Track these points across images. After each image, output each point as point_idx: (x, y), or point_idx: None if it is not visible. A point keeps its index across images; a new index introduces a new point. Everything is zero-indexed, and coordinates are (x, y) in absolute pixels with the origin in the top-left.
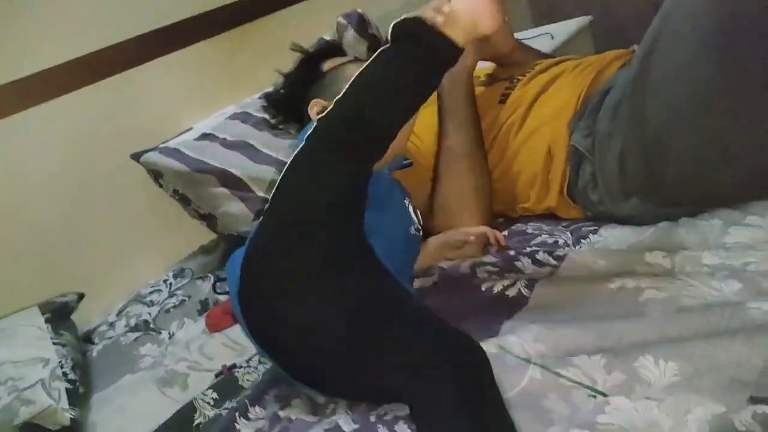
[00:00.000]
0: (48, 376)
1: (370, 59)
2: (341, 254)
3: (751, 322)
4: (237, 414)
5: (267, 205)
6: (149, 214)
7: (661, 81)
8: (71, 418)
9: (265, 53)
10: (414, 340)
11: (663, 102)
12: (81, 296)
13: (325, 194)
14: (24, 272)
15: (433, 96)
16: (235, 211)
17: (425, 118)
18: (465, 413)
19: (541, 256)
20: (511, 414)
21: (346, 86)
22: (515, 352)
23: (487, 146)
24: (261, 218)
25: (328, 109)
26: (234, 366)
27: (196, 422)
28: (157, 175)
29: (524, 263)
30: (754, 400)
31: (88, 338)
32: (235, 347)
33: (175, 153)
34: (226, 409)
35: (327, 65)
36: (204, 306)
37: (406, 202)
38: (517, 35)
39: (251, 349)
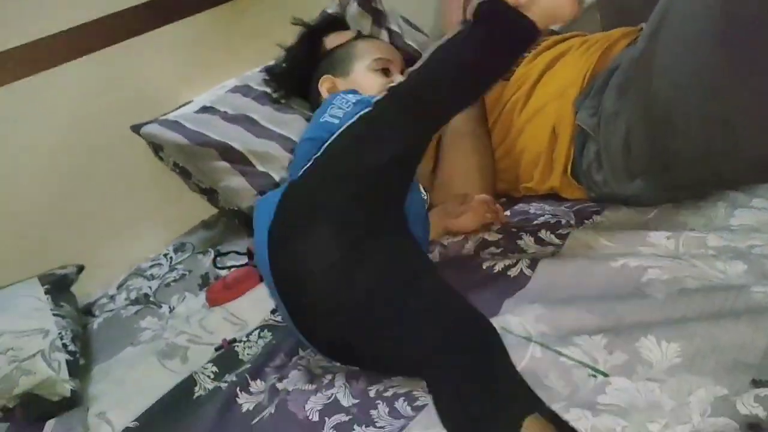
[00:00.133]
0: (48, 347)
1: (453, 35)
2: (385, 214)
3: (755, 305)
4: (238, 388)
5: (318, 154)
6: (150, 188)
7: (667, 61)
8: (71, 389)
9: (266, 25)
10: (437, 312)
11: (670, 82)
12: (81, 268)
13: (390, 148)
14: (23, 244)
15: None
16: (236, 185)
17: None
18: (479, 388)
19: (544, 234)
20: None
21: (427, 56)
22: (516, 331)
23: (490, 124)
24: (310, 164)
25: (409, 76)
26: (234, 340)
27: (196, 395)
28: (157, 148)
29: (527, 242)
30: (756, 383)
31: (88, 311)
32: (236, 321)
33: (175, 125)
34: (225, 382)
35: (330, 39)
36: (205, 280)
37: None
38: None
39: (251, 323)
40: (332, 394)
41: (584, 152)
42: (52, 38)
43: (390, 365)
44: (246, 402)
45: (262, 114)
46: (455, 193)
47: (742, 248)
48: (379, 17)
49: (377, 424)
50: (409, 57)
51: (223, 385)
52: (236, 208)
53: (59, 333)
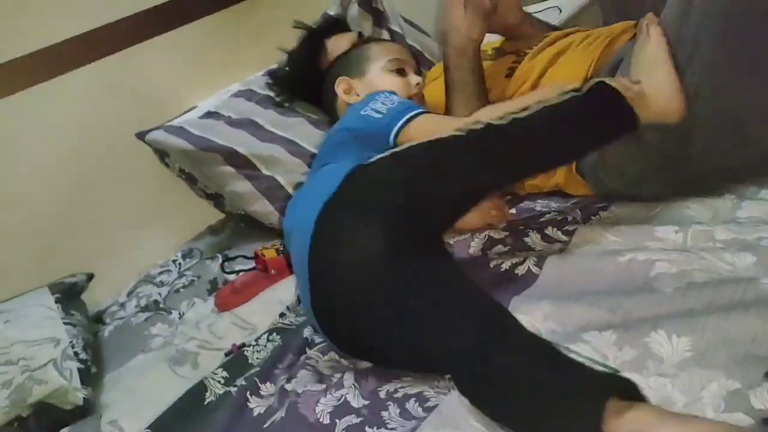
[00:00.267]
0: (59, 356)
1: (559, 97)
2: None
3: (765, 297)
4: (248, 392)
5: (398, 150)
6: (157, 194)
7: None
8: (84, 398)
9: (269, 29)
10: (465, 308)
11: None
12: (90, 276)
13: (457, 184)
14: (33, 254)
15: (440, 70)
16: (242, 189)
17: (431, 95)
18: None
19: (550, 231)
20: None
21: (522, 106)
22: None
23: None
24: (385, 157)
25: (511, 121)
26: (243, 345)
27: (207, 401)
28: (163, 154)
29: (534, 239)
30: None
31: (99, 319)
32: (244, 326)
33: (180, 131)
34: (235, 386)
35: (332, 41)
36: (213, 285)
37: None
38: (525, 9)
39: (260, 327)
40: (342, 395)
41: None
42: (57, 47)
43: (411, 360)
44: (257, 406)
45: (266, 118)
46: None
47: (751, 240)
48: (380, 18)
49: (389, 426)
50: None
51: (234, 390)
52: (242, 212)
53: (70, 341)
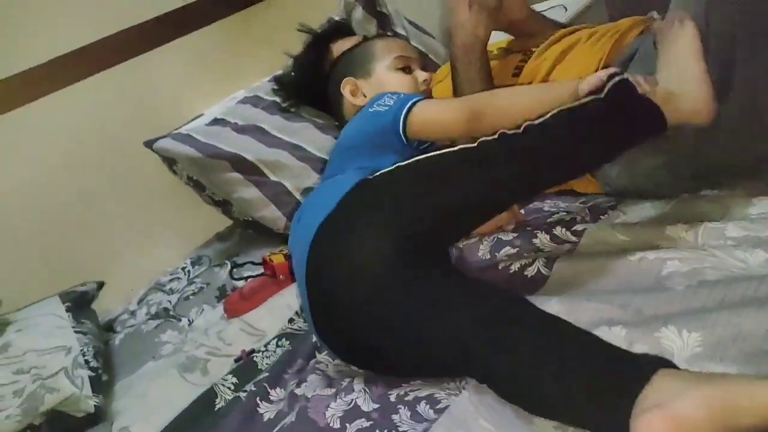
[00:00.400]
0: (71, 364)
1: (580, 101)
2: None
3: None
4: (258, 398)
5: (406, 163)
6: (165, 203)
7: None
8: (95, 405)
9: (273, 35)
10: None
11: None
12: (101, 285)
13: (475, 190)
14: (43, 262)
15: (445, 72)
16: (249, 196)
17: (437, 96)
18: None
19: (559, 232)
20: None
21: (548, 113)
22: None
23: None
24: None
25: (525, 128)
26: (253, 351)
27: (218, 407)
28: (171, 162)
29: (542, 240)
30: None
31: (110, 327)
32: (253, 332)
33: (187, 139)
34: (245, 392)
35: (336, 45)
36: (222, 292)
37: None
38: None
39: (269, 333)
40: (352, 399)
41: None
42: (65, 58)
43: (416, 365)
44: (267, 411)
45: (272, 123)
46: None
47: (764, 237)
48: (384, 21)
49: (399, 429)
50: None
51: (243, 395)
52: (250, 219)
53: (81, 350)
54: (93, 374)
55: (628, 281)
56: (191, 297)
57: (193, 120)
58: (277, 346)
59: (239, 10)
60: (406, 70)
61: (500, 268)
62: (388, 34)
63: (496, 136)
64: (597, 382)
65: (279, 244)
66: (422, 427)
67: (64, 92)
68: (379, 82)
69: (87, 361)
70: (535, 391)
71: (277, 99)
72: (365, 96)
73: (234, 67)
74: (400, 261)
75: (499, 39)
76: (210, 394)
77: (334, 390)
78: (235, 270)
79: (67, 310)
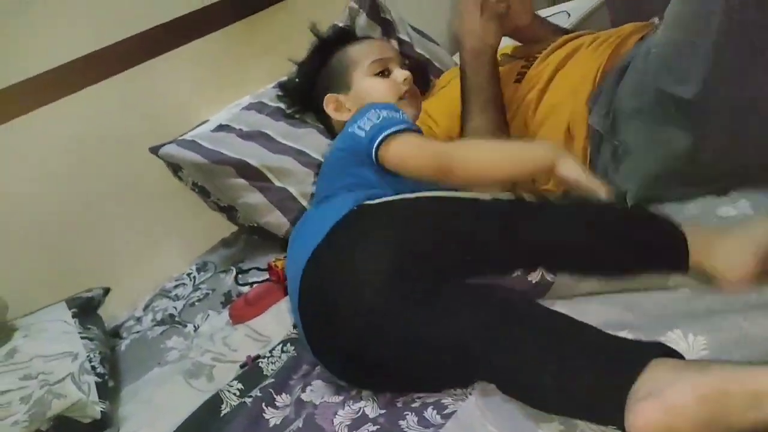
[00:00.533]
0: (77, 370)
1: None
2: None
3: None
4: (264, 403)
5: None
6: (171, 209)
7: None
8: (102, 411)
9: (278, 42)
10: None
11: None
12: (107, 291)
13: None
14: (49, 269)
15: (449, 77)
16: (254, 201)
17: (441, 102)
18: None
19: None
20: None
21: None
22: None
23: None
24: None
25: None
26: (258, 357)
27: (223, 413)
28: (176, 168)
29: None
30: None
31: (116, 333)
32: (259, 338)
33: (192, 145)
34: (250, 397)
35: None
36: (227, 298)
37: None
38: None
39: (274, 339)
40: (360, 408)
41: (600, 152)
42: (71, 65)
43: (417, 376)
44: (273, 417)
45: (277, 129)
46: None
47: None
48: (388, 27)
49: None
50: (419, 65)
51: (249, 401)
52: (255, 224)
53: (88, 356)
54: (99, 380)
55: (633, 284)
56: (197, 303)
57: (198, 126)
58: (283, 351)
59: (244, 17)
60: (385, 72)
61: None
62: (393, 41)
63: (513, 197)
64: (594, 374)
65: (284, 249)
66: None
67: (70, 99)
68: (359, 93)
69: (93, 367)
70: (536, 388)
71: (282, 105)
72: (350, 110)
73: (239, 74)
74: (397, 276)
75: (503, 45)
76: (215, 400)
77: (341, 397)
78: (240, 276)
79: (73, 316)
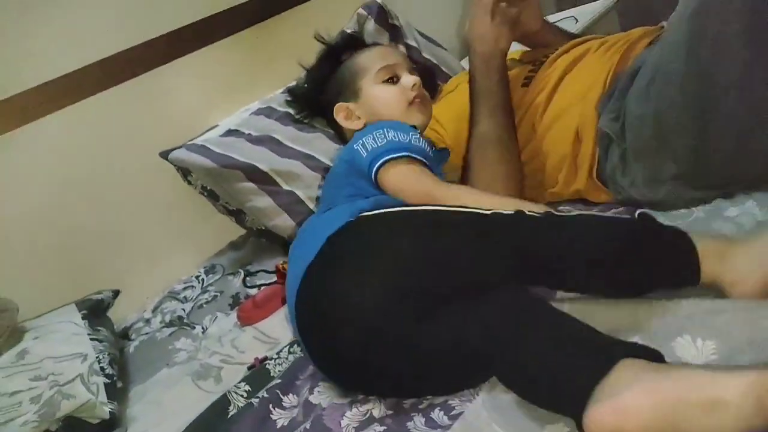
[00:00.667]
0: (86, 371)
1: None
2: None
3: None
4: (271, 404)
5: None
6: (180, 212)
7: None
8: (110, 412)
9: (287, 48)
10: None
11: (701, 82)
12: (116, 293)
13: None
14: (60, 271)
15: (456, 83)
16: (263, 205)
17: (448, 107)
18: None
19: None
20: None
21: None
22: None
23: None
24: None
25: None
26: (266, 358)
27: (231, 414)
28: (185, 172)
29: None
30: None
31: (125, 335)
32: (266, 340)
33: (202, 149)
34: (257, 398)
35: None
36: (235, 300)
37: None
38: None
39: (282, 341)
40: (367, 410)
41: (608, 156)
42: (82, 71)
43: (418, 376)
44: (280, 418)
45: (285, 134)
46: None
47: None
48: (395, 33)
49: None
50: (427, 69)
51: (255, 401)
52: (263, 228)
53: (97, 357)
54: (108, 381)
55: None
56: (205, 305)
57: (207, 131)
58: (290, 353)
59: (253, 24)
60: (393, 79)
61: None
62: (401, 47)
63: (512, 212)
64: (563, 373)
65: None
66: None
67: (82, 105)
68: (368, 101)
69: (102, 368)
70: (526, 382)
71: (291, 110)
72: (360, 118)
73: (248, 80)
74: (395, 296)
75: (510, 51)
76: (223, 402)
77: (348, 399)
78: (248, 278)
79: (83, 318)
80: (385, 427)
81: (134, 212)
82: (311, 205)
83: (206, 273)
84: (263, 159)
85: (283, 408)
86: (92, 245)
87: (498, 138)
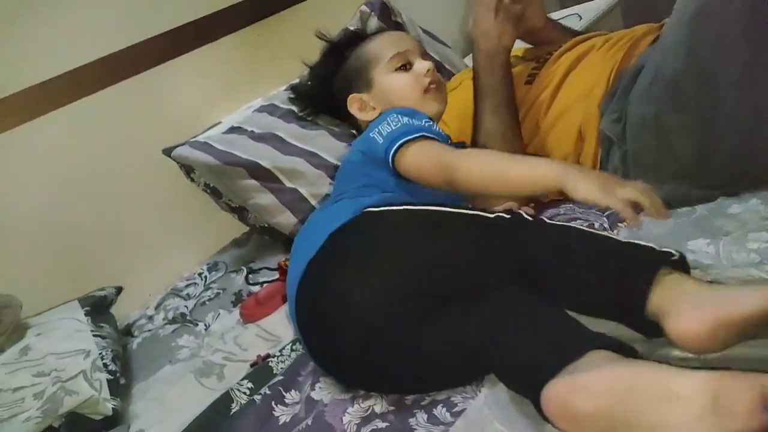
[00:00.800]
0: (89, 368)
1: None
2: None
3: None
4: (273, 401)
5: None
6: (183, 209)
7: (699, 62)
8: (113, 408)
9: (288, 46)
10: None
11: (703, 81)
12: (119, 290)
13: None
14: (63, 268)
15: (459, 80)
16: (265, 202)
17: (452, 104)
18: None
19: None
20: None
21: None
22: None
23: None
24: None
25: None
26: (268, 356)
27: (233, 411)
28: (188, 169)
29: None
30: None
31: (128, 331)
32: (269, 338)
33: (205, 147)
34: (260, 395)
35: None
36: (238, 297)
37: None
38: None
39: (284, 338)
40: (369, 406)
41: (609, 157)
42: (84, 69)
43: (418, 376)
44: (282, 414)
45: (288, 131)
46: (486, 197)
47: None
48: (399, 30)
49: None
50: None
51: (258, 398)
52: (266, 225)
53: (100, 353)
54: (111, 377)
55: None
56: (208, 302)
57: (210, 128)
58: (292, 350)
59: (256, 21)
60: (406, 66)
61: None
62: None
63: (509, 216)
64: (533, 357)
65: None
66: (439, 430)
67: (84, 102)
68: (382, 90)
69: (105, 365)
70: (518, 378)
71: (294, 108)
72: (374, 108)
73: (251, 77)
74: (395, 298)
75: (513, 48)
76: (226, 399)
77: (350, 395)
78: (251, 275)
79: (86, 315)
80: (388, 424)
81: (136, 210)
82: (314, 203)
83: (209, 270)
84: (266, 156)
85: (285, 404)
86: (95, 243)
87: (502, 135)
